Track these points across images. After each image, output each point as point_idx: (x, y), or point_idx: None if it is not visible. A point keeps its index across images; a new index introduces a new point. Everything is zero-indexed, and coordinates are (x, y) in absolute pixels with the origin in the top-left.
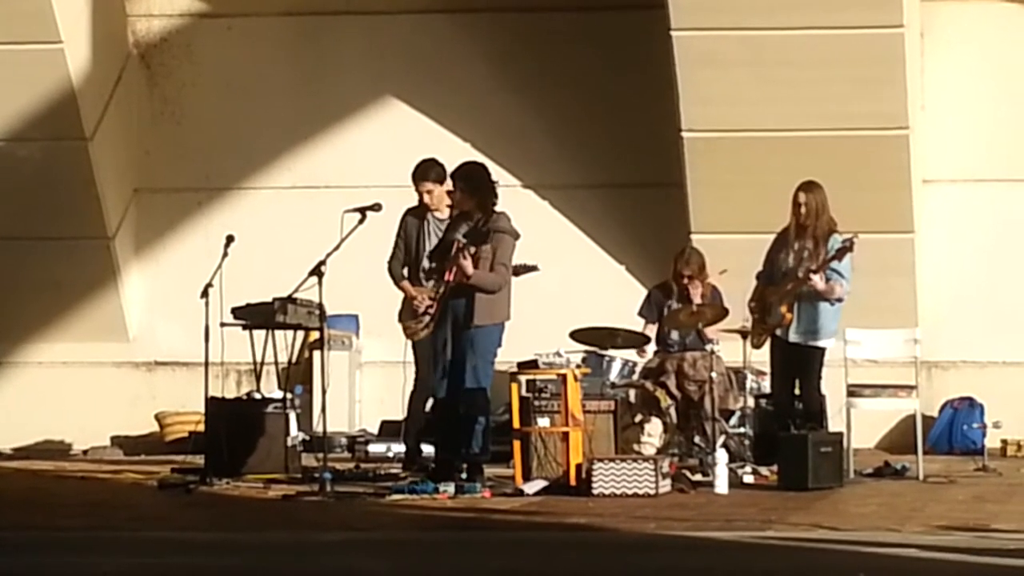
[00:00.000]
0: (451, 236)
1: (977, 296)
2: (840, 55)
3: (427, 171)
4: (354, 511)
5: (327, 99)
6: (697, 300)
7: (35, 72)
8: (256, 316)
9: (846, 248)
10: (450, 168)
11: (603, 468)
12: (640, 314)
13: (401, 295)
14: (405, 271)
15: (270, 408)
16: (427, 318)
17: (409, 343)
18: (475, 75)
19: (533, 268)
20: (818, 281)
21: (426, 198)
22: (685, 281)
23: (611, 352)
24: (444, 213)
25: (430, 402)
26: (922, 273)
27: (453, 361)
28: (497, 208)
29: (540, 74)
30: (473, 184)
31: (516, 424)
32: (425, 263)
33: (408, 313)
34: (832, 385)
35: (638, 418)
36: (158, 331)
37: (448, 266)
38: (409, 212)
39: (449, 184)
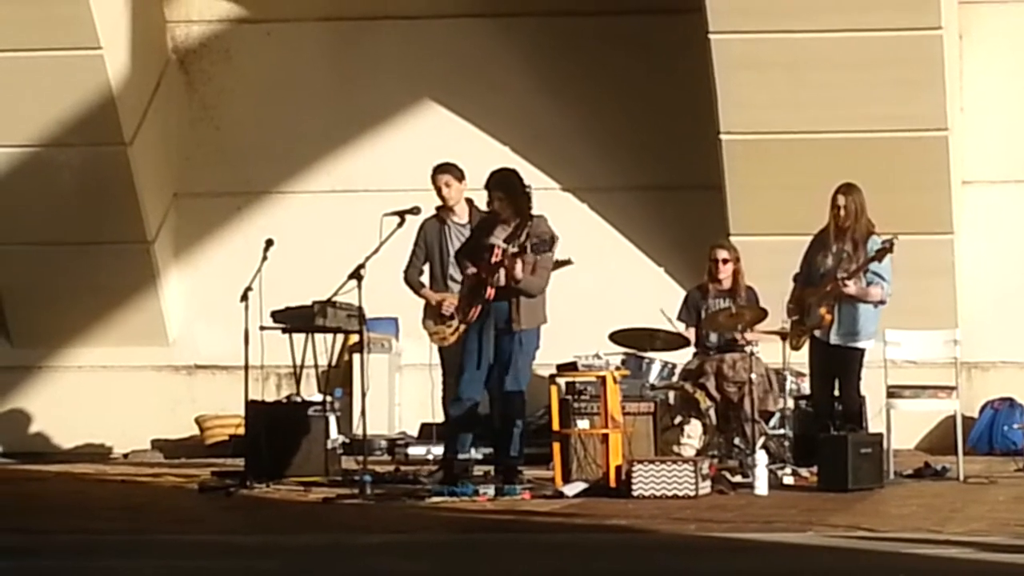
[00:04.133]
0: (486, 240)
1: (1016, 297)
2: (878, 57)
3: (446, 166)
4: (394, 514)
5: (365, 103)
6: (726, 281)
7: (75, 78)
8: (296, 319)
9: (886, 249)
10: (479, 174)
11: (643, 470)
12: (679, 318)
13: (422, 301)
14: (425, 278)
15: (310, 411)
16: (455, 322)
17: (435, 347)
18: (513, 78)
19: (567, 262)
20: (852, 287)
21: (444, 191)
22: (719, 264)
23: (650, 354)
24: (462, 217)
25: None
26: (961, 274)
27: (494, 364)
28: (534, 212)
29: (578, 77)
30: (511, 191)
31: (555, 426)
32: (451, 269)
33: (433, 319)
34: (872, 386)
35: (677, 420)
36: (198, 335)
37: (489, 269)
38: (427, 221)
39: (467, 183)
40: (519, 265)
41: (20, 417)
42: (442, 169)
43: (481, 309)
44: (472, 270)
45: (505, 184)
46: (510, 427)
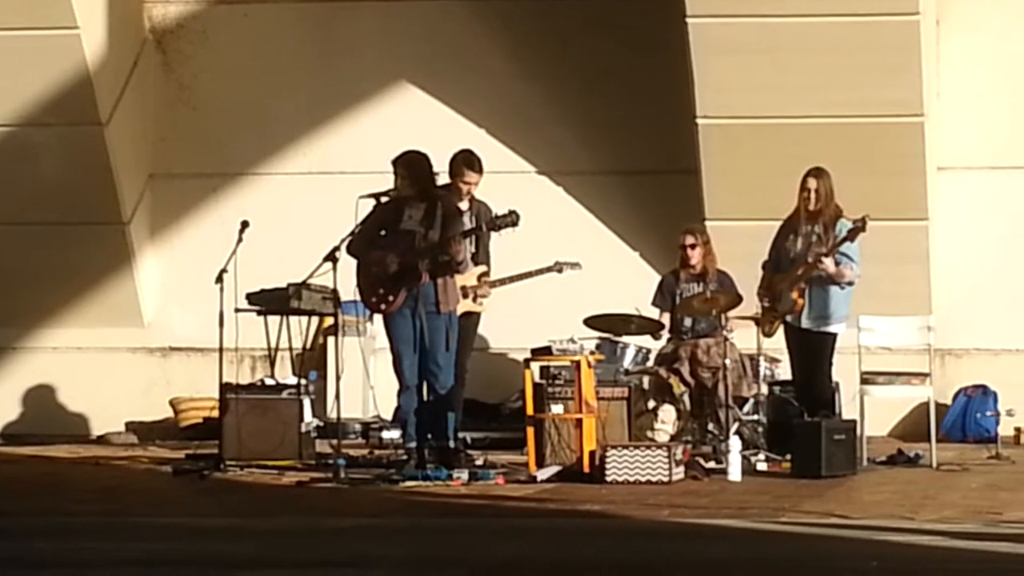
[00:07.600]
0: (406, 225)
1: (991, 284)
2: (856, 42)
3: (473, 162)
4: (368, 497)
5: (342, 85)
6: (698, 266)
7: (51, 58)
8: (270, 302)
9: (858, 228)
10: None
11: (616, 455)
12: (653, 303)
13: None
14: None
15: (284, 394)
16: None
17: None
18: (490, 61)
19: (575, 265)
20: (829, 264)
21: (473, 190)
22: (687, 249)
23: (625, 339)
24: (465, 203)
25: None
26: (936, 260)
27: (423, 348)
28: (441, 192)
29: (555, 60)
30: (415, 172)
31: (529, 410)
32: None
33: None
34: (846, 372)
35: (651, 405)
36: (173, 317)
37: (417, 253)
38: None
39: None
40: (460, 247)
41: None
42: (469, 166)
43: (408, 294)
44: (395, 262)
45: (411, 164)
46: (444, 414)
